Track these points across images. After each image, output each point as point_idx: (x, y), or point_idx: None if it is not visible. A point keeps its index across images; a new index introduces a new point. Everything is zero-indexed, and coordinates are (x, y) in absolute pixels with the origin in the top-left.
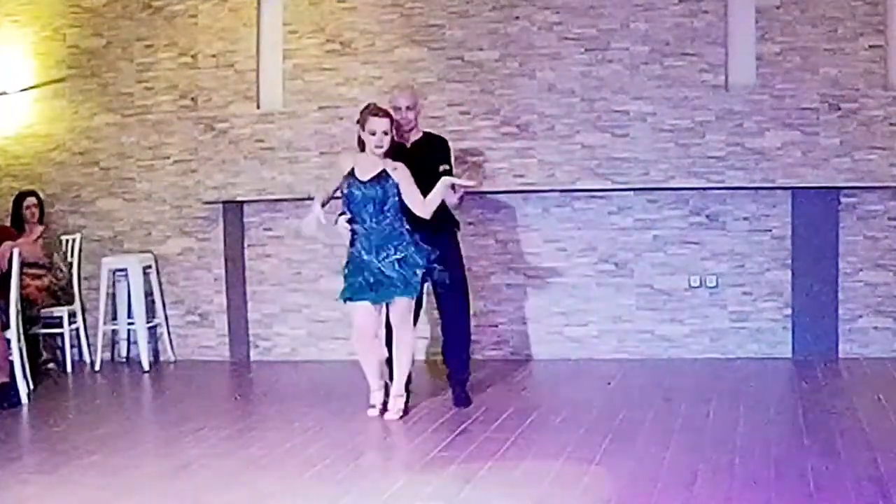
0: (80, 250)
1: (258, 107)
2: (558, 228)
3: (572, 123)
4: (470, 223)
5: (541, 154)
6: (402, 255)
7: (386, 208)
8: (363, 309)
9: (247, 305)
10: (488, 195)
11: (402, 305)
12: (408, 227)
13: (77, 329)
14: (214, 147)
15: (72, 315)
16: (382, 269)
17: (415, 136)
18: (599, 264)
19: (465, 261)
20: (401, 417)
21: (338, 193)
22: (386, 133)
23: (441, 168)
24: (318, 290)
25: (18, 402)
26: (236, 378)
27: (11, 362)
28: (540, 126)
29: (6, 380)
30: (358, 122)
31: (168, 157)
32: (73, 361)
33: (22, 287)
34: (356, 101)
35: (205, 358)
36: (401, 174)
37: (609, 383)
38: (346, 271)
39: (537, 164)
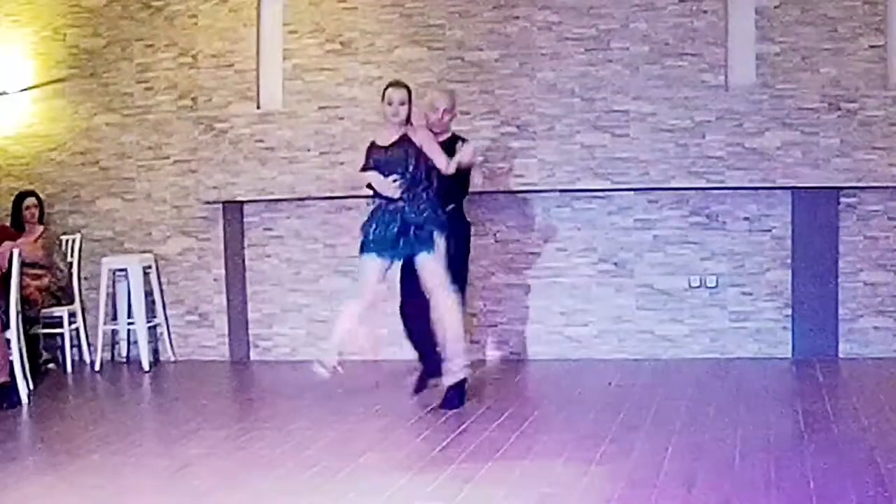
0: (80, 250)
1: (258, 107)
2: (558, 228)
3: (572, 123)
4: (471, 224)
5: (541, 154)
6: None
7: (412, 170)
8: (376, 268)
9: (247, 305)
10: (488, 195)
11: (430, 264)
12: (430, 199)
13: (77, 329)
14: (214, 147)
15: (72, 315)
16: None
17: (442, 137)
18: (599, 264)
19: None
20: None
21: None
22: (402, 103)
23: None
24: (318, 289)
25: (18, 402)
26: (236, 378)
27: (11, 362)
28: (540, 126)
29: (6, 380)
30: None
31: (168, 157)
32: (73, 361)
33: (22, 287)
34: (356, 100)
35: (205, 358)
36: (421, 135)
37: (609, 383)
38: (370, 226)
39: (537, 164)
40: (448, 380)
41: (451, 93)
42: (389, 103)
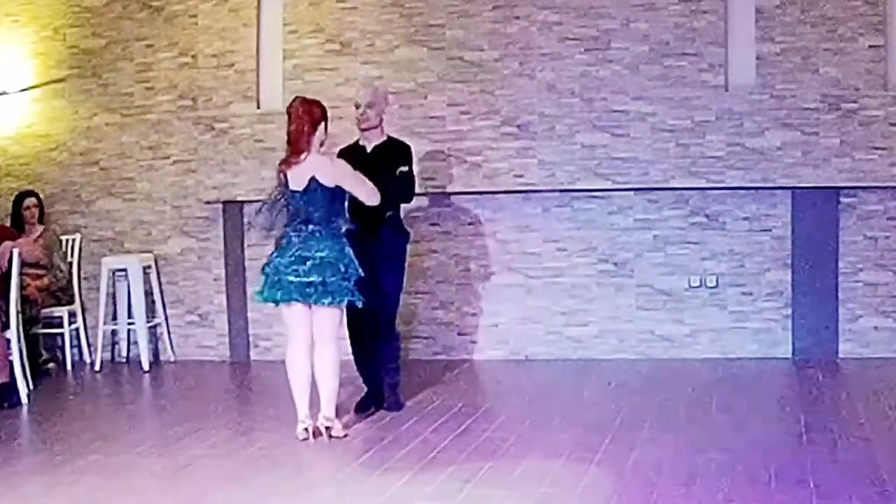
0: (80, 250)
1: (258, 107)
2: (558, 228)
3: (572, 123)
4: (470, 223)
5: (541, 154)
6: (332, 260)
7: (320, 215)
8: (298, 312)
9: (247, 305)
10: (488, 195)
11: (328, 315)
12: (344, 238)
13: (77, 329)
14: (214, 147)
15: (72, 315)
16: (309, 272)
17: (377, 140)
18: (599, 264)
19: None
20: (345, 435)
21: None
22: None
23: (398, 170)
24: None
25: (18, 402)
26: (236, 378)
27: (11, 362)
28: (540, 126)
29: (6, 380)
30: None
31: (168, 157)
32: (73, 361)
33: (22, 287)
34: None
35: (205, 358)
36: (338, 172)
37: (609, 383)
38: (269, 270)
39: (537, 164)
40: (337, 432)
41: (376, 88)
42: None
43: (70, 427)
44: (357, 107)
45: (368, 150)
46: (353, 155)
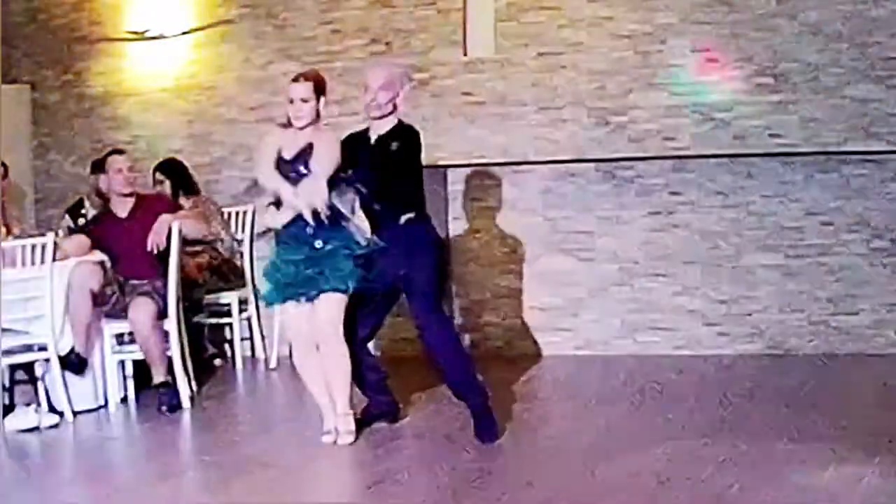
0: (252, 225)
1: (465, 54)
2: (823, 198)
3: (840, 73)
4: (717, 192)
5: (802, 110)
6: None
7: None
8: (295, 311)
9: None
10: (738, 158)
11: (331, 303)
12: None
13: (248, 319)
14: (413, 101)
15: (242, 302)
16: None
17: (384, 128)
18: (873, 241)
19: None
20: (354, 441)
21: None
22: (305, 101)
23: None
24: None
25: (179, 405)
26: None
27: (170, 358)
28: (801, 76)
29: (164, 379)
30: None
31: (357, 114)
32: (243, 357)
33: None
34: (582, 46)
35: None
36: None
37: (885, 383)
38: (268, 268)
39: (797, 122)
40: (345, 438)
41: (394, 66)
42: (291, 101)
43: (240, 436)
44: (366, 87)
45: (371, 140)
46: (355, 144)
